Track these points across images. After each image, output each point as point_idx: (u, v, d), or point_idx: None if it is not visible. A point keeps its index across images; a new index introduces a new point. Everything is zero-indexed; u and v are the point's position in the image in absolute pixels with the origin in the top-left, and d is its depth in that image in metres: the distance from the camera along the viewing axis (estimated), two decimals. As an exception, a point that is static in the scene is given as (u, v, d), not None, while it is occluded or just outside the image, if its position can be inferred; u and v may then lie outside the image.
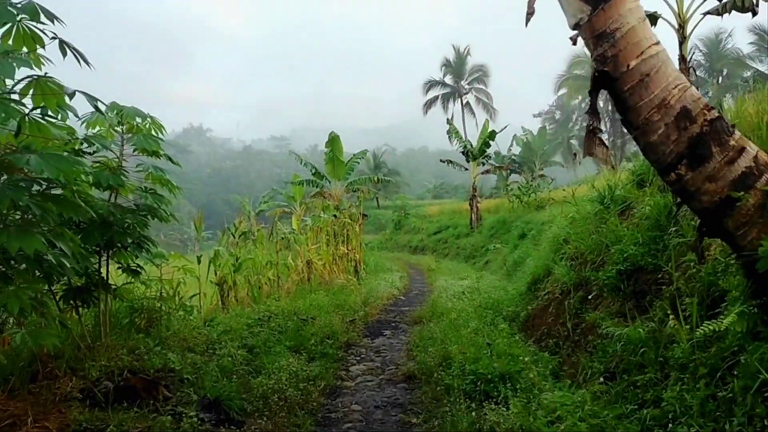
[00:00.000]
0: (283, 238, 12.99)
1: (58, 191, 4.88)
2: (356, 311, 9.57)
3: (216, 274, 9.81)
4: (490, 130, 28.67)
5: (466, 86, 61.04)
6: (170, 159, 7.02)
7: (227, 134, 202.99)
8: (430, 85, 60.91)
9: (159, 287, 8.31)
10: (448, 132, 30.72)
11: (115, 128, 6.78)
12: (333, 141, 25.59)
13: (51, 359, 5.83)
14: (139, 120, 6.75)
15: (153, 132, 7.09)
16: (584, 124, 45.04)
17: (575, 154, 72.10)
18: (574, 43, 4.84)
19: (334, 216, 15.13)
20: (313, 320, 8.29)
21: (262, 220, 53.96)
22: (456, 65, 60.36)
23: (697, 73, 48.57)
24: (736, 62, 43.51)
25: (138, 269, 7.05)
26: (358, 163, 28.08)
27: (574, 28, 4.42)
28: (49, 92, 4.27)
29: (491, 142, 28.85)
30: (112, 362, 5.80)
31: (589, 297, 7.23)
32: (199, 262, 9.79)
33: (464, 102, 60.56)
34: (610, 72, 4.06)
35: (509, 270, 17.31)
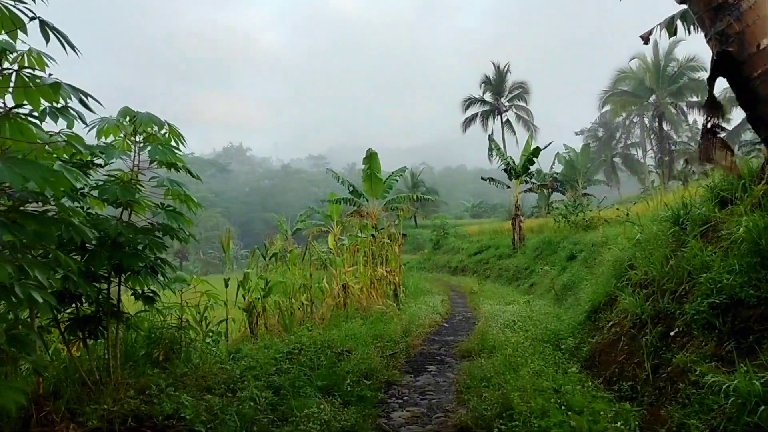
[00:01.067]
0: (317, 259, 12.18)
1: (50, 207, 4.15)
2: (397, 342, 8.61)
3: (244, 298, 9.00)
4: (533, 146, 27.54)
5: (506, 103, 59.92)
6: (190, 172, 6.22)
7: (266, 154, 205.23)
8: (470, 102, 59.96)
9: (180, 315, 7.52)
10: (490, 149, 29.75)
11: (131, 138, 6.03)
12: (371, 158, 24.85)
13: (49, 399, 5.07)
14: (156, 128, 5.98)
15: (173, 142, 6.32)
16: (628, 143, 43.57)
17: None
18: (646, 42, 3.95)
19: (372, 236, 14.26)
20: (348, 354, 7.38)
21: (298, 240, 53.70)
22: (496, 82, 59.34)
23: (749, 88, 46.91)
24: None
25: (153, 296, 6.25)
26: (397, 180, 27.25)
27: (681, 2, 3.46)
28: (33, 85, 3.48)
29: (535, 159, 27.71)
30: (117, 405, 5.00)
31: (672, 334, 6.17)
32: (226, 285, 9.02)
33: (504, 119, 59.42)
34: (734, 53, 3.09)
35: (559, 294, 16.20)
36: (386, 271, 13.35)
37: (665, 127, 46.46)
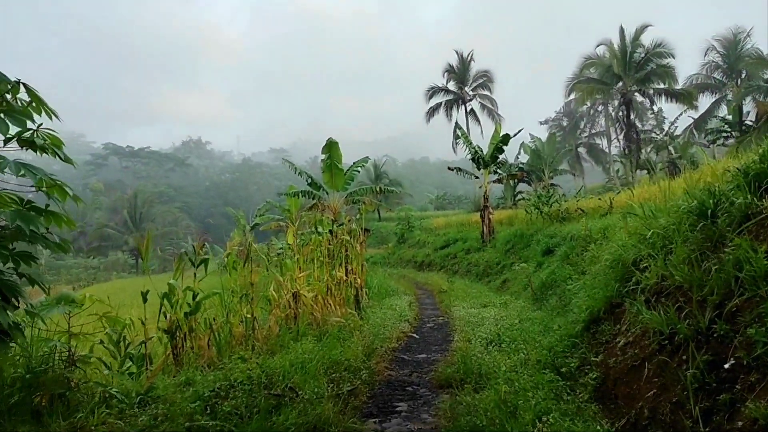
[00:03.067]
0: (267, 260, 10.39)
1: None
2: (357, 371, 6.84)
3: (166, 317, 7.17)
4: (502, 134, 26.01)
5: (470, 92, 58.49)
6: (58, 155, 4.38)
7: (228, 148, 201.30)
8: (433, 91, 58.35)
9: (71, 344, 5.70)
10: (456, 137, 28.24)
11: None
12: (330, 147, 23.01)
13: None
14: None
15: (42, 113, 4.48)
16: (592, 132, 42.76)
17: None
18: None
19: (330, 232, 12.49)
20: (293, 394, 5.62)
21: (260, 235, 51.52)
22: (459, 71, 57.85)
23: (715, 75, 46.22)
24: (757, 63, 40.92)
25: (16, 328, 4.41)
26: (359, 171, 25.44)
27: None
28: None
29: (504, 148, 26.19)
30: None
31: (727, 366, 4.57)
32: (144, 299, 7.16)
33: (468, 109, 58.00)
34: None
35: (537, 294, 14.69)
36: (346, 274, 11.60)
37: (631, 115, 45.57)
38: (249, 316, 8.19)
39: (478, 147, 27.21)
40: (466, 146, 27.23)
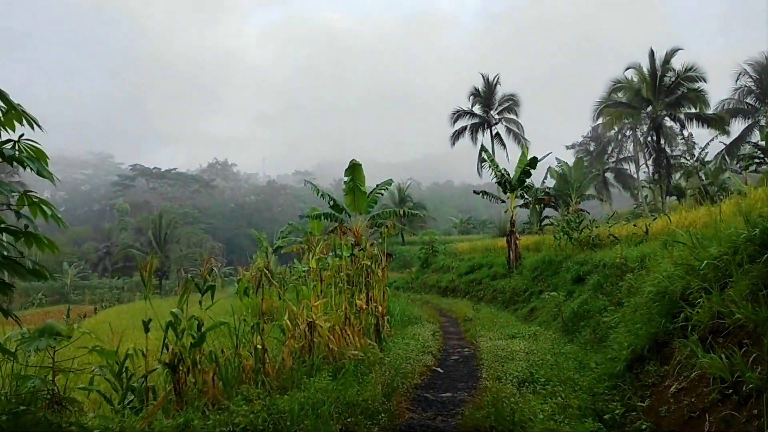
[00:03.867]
0: (285, 285, 9.81)
1: None
2: (375, 413, 6.17)
3: (167, 348, 6.59)
4: (530, 157, 25.33)
5: (496, 116, 57.93)
6: (42, 173, 3.85)
7: (253, 170, 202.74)
8: (458, 115, 57.93)
9: (58, 380, 5.15)
10: (482, 159, 27.64)
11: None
12: (354, 169, 22.59)
13: None
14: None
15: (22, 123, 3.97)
16: (620, 157, 41.83)
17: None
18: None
19: (352, 255, 11.89)
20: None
21: (283, 258, 51.09)
22: (485, 94, 57.38)
23: (747, 100, 45.07)
24: (793, 87, 39.89)
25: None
26: (382, 194, 24.94)
27: None
28: None
29: (531, 171, 25.48)
30: None
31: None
32: (146, 329, 6.62)
33: (494, 132, 57.39)
34: None
35: (567, 324, 13.89)
36: (367, 302, 10.95)
37: (661, 140, 44.56)
38: (259, 347, 7.57)
39: (505, 170, 26.53)
40: (492, 169, 26.55)
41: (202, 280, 7.18)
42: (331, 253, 11.76)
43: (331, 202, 24.05)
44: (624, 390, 7.02)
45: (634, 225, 16.61)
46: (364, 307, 10.59)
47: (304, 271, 10.63)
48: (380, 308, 11.99)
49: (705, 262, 7.18)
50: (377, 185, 24.61)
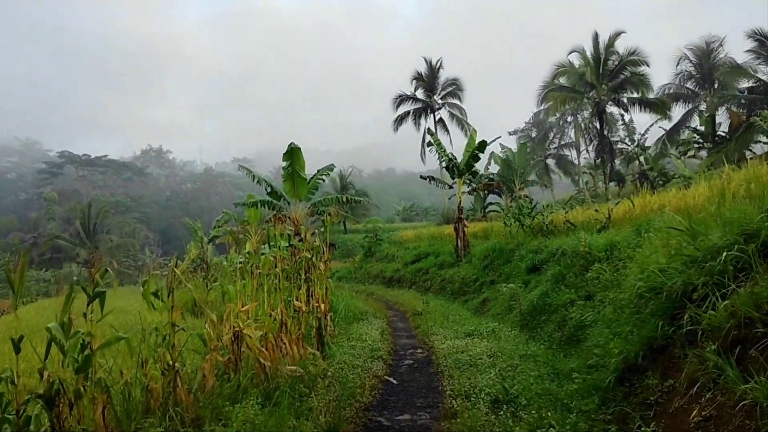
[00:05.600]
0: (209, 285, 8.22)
1: None
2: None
3: (41, 375, 4.99)
4: (478, 141, 24.19)
5: (439, 101, 56.92)
6: None
7: (191, 158, 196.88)
8: (401, 99, 56.64)
9: None
10: (429, 144, 26.22)
11: None
12: (292, 153, 20.91)
13: None
14: None
15: None
16: (561, 143, 41.51)
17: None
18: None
19: (290, 247, 10.38)
20: None
21: (221, 248, 48.81)
22: (428, 78, 56.27)
23: (687, 85, 45.34)
24: (731, 72, 39.92)
25: None
26: (323, 180, 23.40)
27: None
28: None
29: (480, 155, 24.38)
30: None
31: None
32: (17, 349, 5.05)
33: (437, 118, 56.42)
34: None
35: (526, 318, 12.78)
36: (307, 301, 9.47)
37: (604, 125, 44.43)
38: (168, 369, 6.01)
39: (452, 155, 25.37)
40: (439, 154, 25.35)
41: (91, 283, 5.57)
42: (264, 246, 10.24)
43: (269, 189, 22.34)
44: (619, 408, 5.81)
45: (596, 210, 15.61)
46: (304, 308, 9.10)
47: (239, 263, 9.02)
48: (323, 307, 10.52)
49: (709, 252, 6.05)
50: (318, 170, 23.07)
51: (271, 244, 10.14)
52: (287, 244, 10.47)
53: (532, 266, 16.28)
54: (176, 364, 5.92)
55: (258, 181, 22.92)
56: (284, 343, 7.67)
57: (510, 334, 11.68)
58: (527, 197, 41.05)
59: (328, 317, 11.26)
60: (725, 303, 5.11)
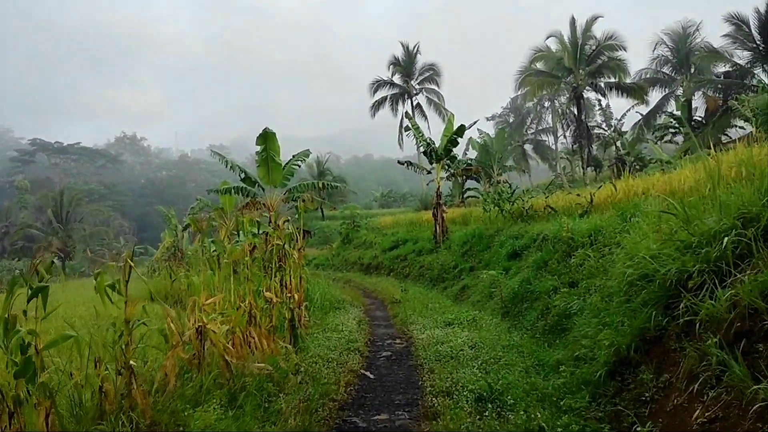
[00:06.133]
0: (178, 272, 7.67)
1: None
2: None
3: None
4: (457, 125, 23.75)
5: (417, 86, 56.38)
6: None
7: (166, 145, 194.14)
8: (378, 85, 56.03)
9: None
10: (407, 128, 25.73)
11: None
12: (267, 138, 20.26)
13: None
14: None
15: None
16: (539, 128, 41.35)
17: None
18: None
19: (261, 235, 9.87)
20: None
21: (195, 236, 47.95)
22: (405, 64, 55.67)
23: (664, 69, 45.25)
24: (708, 56, 39.81)
25: None
26: (299, 166, 22.79)
27: None
28: None
29: (459, 140, 23.95)
30: None
31: None
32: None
33: (414, 103, 55.86)
34: None
35: (507, 306, 12.41)
36: (279, 294, 8.98)
37: (582, 110, 44.29)
38: (124, 368, 5.50)
39: (430, 139, 24.91)
40: (418, 139, 24.87)
41: (35, 275, 5.05)
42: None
43: (242, 175, 21.70)
44: (611, 405, 5.44)
45: (578, 195, 15.27)
46: (275, 299, 8.60)
47: (208, 252, 8.50)
48: (297, 297, 10.04)
49: (704, 238, 5.68)
50: (294, 156, 22.45)
51: (243, 231, 9.63)
52: (258, 232, 9.97)
53: (512, 252, 15.92)
54: (132, 363, 5.42)
55: (232, 168, 22.27)
56: (253, 338, 7.18)
57: (491, 323, 11.32)
58: (506, 183, 40.85)
59: (303, 307, 10.80)
60: (728, 292, 4.74)
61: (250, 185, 21.95)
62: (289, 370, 7.03)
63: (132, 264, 5.45)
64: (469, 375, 6.92)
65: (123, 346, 5.35)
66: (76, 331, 5.52)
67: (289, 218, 13.13)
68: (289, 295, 9.49)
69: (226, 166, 22.68)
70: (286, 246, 10.25)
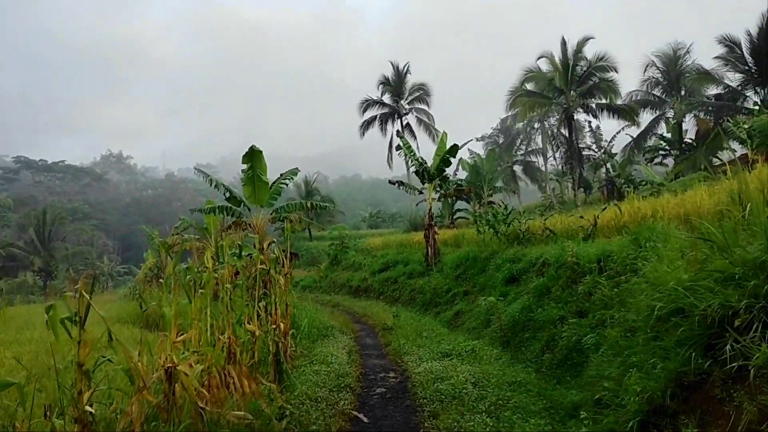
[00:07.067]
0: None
1: None
2: None
3: None
4: (450, 144, 23.11)
5: (407, 106, 55.92)
6: None
7: (153, 163, 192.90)
8: (368, 104, 55.50)
9: None
10: (399, 147, 25.09)
11: None
12: (253, 156, 19.43)
13: None
14: None
15: None
16: (528, 149, 41.01)
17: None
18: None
19: (246, 257, 9.07)
20: None
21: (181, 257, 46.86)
22: (395, 83, 55.21)
23: (654, 91, 45.10)
24: (699, 78, 39.61)
25: None
26: (286, 185, 21.97)
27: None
28: None
29: (452, 159, 23.31)
30: None
31: None
32: None
33: (404, 123, 55.35)
34: None
35: (507, 335, 11.65)
36: (261, 326, 8.14)
37: (573, 131, 43.96)
38: (89, 409, 4.67)
39: (422, 159, 24.25)
40: (409, 158, 24.21)
41: None
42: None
43: (227, 194, 20.86)
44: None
45: (581, 217, 14.59)
46: (258, 332, 7.77)
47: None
48: (282, 327, 9.21)
49: (749, 268, 4.97)
50: (281, 174, 21.66)
51: (222, 255, 8.81)
52: (239, 255, 9.16)
53: (510, 277, 15.20)
54: (90, 410, 4.59)
55: (216, 186, 21.43)
56: (232, 378, 6.35)
57: (492, 354, 10.53)
58: (502, 203, 40.25)
59: (289, 337, 9.96)
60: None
61: (236, 205, 21.11)
62: (272, 415, 6.20)
63: (88, 296, 4.64)
64: (479, 423, 6.11)
65: (75, 396, 4.51)
66: (28, 369, 4.69)
67: (275, 240, 12.34)
68: (273, 326, 8.66)
69: (211, 185, 21.86)
70: (272, 270, 9.44)
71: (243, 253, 9.18)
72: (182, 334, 5.84)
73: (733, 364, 4.46)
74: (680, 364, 5.07)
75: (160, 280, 34.83)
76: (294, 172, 22.63)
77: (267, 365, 8.23)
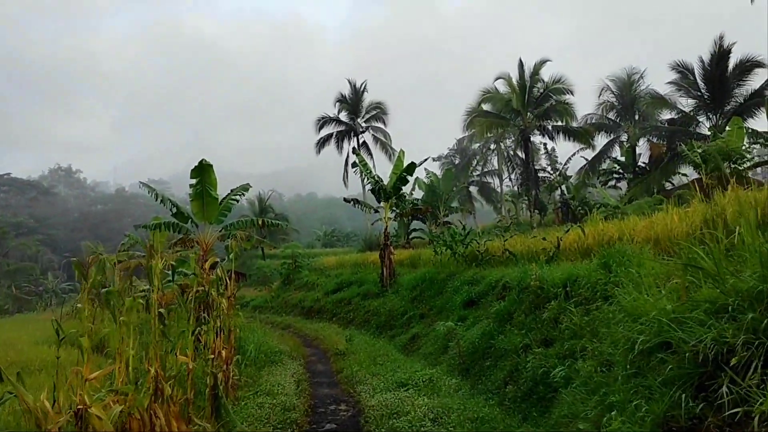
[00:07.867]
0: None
1: None
2: None
3: None
4: (407, 162, 22.60)
5: (363, 124, 55.45)
6: None
7: (104, 178, 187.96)
8: (324, 122, 54.84)
9: None
10: (354, 165, 24.47)
11: None
12: (202, 171, 18.48)
13: None
14: None
15: None
16: (484, 170, 40.82)
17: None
18: None
19: (174, 279, 8.20)
20: None
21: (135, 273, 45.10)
22: (352, 101, 54.76)
23: (609, 115, 45.69)
24: (653, 103, 40.18)
25: None
26: (237, 201, 21.03)
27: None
28: None
29: (409, 178, 22.77)
30: None
31: None
32: None
33: (361, 141, 54.83)
34: None
35: (466, 362, 11.02)
36: (203, 350, 7.30)
37: (529, 152, 44.13)
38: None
39: (378, 177, 23.64)
40: (366, 175, 23.56)
41: None
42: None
43: (174, 209, 19.81)
44: None
45: (543, 239, 14.12)
46: (191, 365, 6.92)
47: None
48: (224, 355, 8.35)
49: (744, 299, 4.43)
50: (232, 190, 20.72)
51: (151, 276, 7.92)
52: (173, 275, 8.30)
53: (468, 300, 14.62)
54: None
55: (163, 201, 20.35)
56: (159, 419, 5.51)
57: (450, 384, 9.86)
58: (460, 223, 39.89)
59: (232, 365, 9.10)
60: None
61: (183, 221, 20.05)
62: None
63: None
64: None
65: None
66: None
67: (220, 259, 11.50)
68: (212, 356, 7.81)
69: (156, 200, 20.76)
70: (213, 292, 8.60)
71: (178, 272, 8.34)
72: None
73: (732, 411, 3.89)
74: (668, 406, 4.48)
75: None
76: (245, 187, 21.70)
77: (204, 402, 7.38)
